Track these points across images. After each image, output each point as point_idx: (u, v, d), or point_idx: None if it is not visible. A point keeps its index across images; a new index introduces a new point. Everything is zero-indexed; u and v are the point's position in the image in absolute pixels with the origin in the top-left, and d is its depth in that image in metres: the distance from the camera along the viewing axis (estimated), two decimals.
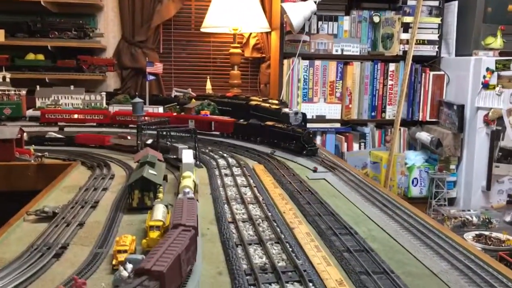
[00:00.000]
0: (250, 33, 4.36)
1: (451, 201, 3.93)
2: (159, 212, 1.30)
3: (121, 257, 1.10)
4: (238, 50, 4.22)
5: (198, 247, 1.21)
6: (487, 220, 3.42)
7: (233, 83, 4.19)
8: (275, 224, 1.38)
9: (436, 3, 4.02)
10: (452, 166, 3.92)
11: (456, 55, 4.05)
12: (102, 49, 4.16)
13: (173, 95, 3.95)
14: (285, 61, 3.96)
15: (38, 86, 3.41)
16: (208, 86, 4.24)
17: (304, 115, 2.76)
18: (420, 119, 4.12)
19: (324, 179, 1.99)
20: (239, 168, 2.05)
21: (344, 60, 4.05)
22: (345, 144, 4.03)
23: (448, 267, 1.13)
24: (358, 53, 4.06)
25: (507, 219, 3.54)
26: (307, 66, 3.99)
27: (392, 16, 4.02)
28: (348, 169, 2.10)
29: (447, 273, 1.10)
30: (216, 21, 3.98)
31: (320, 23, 4.02)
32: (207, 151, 2.39)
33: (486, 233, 3.21)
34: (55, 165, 2.18)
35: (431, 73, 4.07)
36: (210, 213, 1.52)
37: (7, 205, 1.63)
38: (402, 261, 1.20)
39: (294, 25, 3.75)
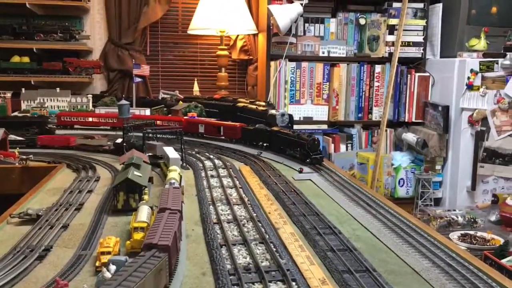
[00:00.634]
0: (237, 35, 4.37)
1: (437, 201, 3.97)
2: (144, 214, 1.30)
3: (105, 258, 1.10)
4: (225, 52, 4.23)
5: (183, 248, 1.22)
6: (472, 220, 3.47)
7: (220, 85, 4.19)
8: (259, 224, 1.38)
9: (421, 5, 4.07)
10: (438, 167, 3.96)
11: (441, 56, 4.10)
12: (89, 51, 4.14)
13: (160, 97, 3.94)
14: (272, 63, 3.98)
15: (23, 89, 3.39)
16: (196, 88, 4.25)
17: (290, 116, 2.78)
18: (406, 120, 4.16)
19: (310, 179, 2.00)
20: (225, 170, 2.06)
21: (331, 62, 4.08)
22: (332, 146, 4.06)
23: (429, 265, 1.15)
24: (344, 55, 4.09)
25: (492, 218, 3.59)
26: (294, 68, 4.00)
27: (378, 18, 4.05)
28: (333, 169, 2.11)
29: (429, 270, 1.12)
30: (203, 23, 3.98)
31: (306, 25, 4.04)
32: (193, 152, 2.39)
33: (471, 232, 3.25)
34: (40, 167, 2.17)
35: (417, 74, 4.11)
36: (195, 215, 1.52)
37: None
38: (384, 259, 1.21)
39: (280, 27, 3.76)
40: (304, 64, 4.02)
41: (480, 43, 3.79)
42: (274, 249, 1.20)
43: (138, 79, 3.41)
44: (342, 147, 4.11)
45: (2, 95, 3.22)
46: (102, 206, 1.58)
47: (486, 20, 3.98)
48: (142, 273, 0.86)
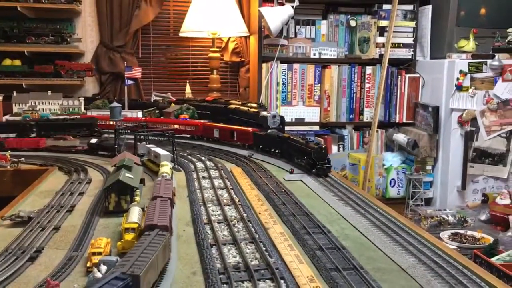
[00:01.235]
0: (229, 38, 4.39)
1: (428, 201, 4.01)
2: (135, 215, 1.32)
3: (96, 259, 1.11)
4: (217, 55, 4.25)
5: (173, 249, 1.24)
6: (463, 219, 3.50)
7: (212, 87, 4.21)
8: (250, 224, 1.40)
9: (411, 7, 4.11)
10: (428, 167, 4.00)
11: (431, 58, 4.14)
12: (80, 54, 4.14)
13: (152, 100, 3.95)
14: (264, 65, 4.00)
15: (14, 92, 3.38)
16: (188, 90, 4.26)
17: (282, 118, 2.79)
18: (397, 121, 4.19)
19: (301, 180, 2.02)
20: (216, 171, 2.07)
21: (322, 63, 4.10)
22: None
23: (415, 262, 1.17)
24: (335, 57, 4.12)
25: (482, 217, 3.63)
26: (285, 69, 4.03)
27: (368, 20, 4.09)
28: None
29: (415, 268, 1.14)
30: (194, 25, 4.00)
31: (298, 27, 4.07)
32: (185, 154, 2.41)
33: (462, 231, 3.29)
34: (32, 170, 2.17)
35: (407, 75, 4.15)
36: (186, 215, 1.54)
37: None
38: (372, 257, 1.24)
39: (271, 29, 3.79)
40: (296, 66, 4.04)
41: (469, 44, 3.83)
42: (264, 248, 1.22)
43: (130, 82, 3.41)
44: (334, 148, 4.13)
45: None
46: (93, 208, 1.59)
47: (475, 21, 4.03)
48: (154, 249, 1.00)
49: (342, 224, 1.49)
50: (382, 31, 4.04)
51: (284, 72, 4.03)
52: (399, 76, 4.16)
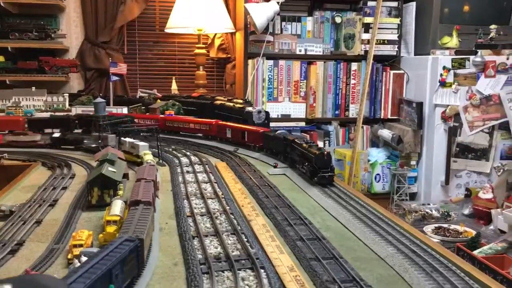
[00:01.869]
0: (215, 34, 4.39)
1: (413, 196, 4.05)
2: (117, 208, 1.32)
3: (77, 251, 1.11)
4: (203, 51, 4.24)
5: (155, 241, 1.24)
6: (446, 213, 3.55)
7: (198, 84, 4.20)
8: (232, 217, 1.41)
9: (395, 4, 4.14)
10: (413, 162, 4.04)
11: (415, 54, 4.18)
12: (65, 50, 4.11)
13: (138, 96, 3.94)
14: (250, 61, 4.00)
15: None
16: (174, 86, 4.25)
17: (267, 113, 2.81)
18: (382, 117, 4.23)
19: (284, 174, 2.04)
20: (201, 166, 2.08)
21: (308, 60, 4.12)
22: None
23: (394, 251, 1.19)
24: (321, 53, 4.14)
25: (465, 212, 3.69)
26: (271, 66, 4.04)
27: (354, 16, 4.11)
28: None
29: (393, 257, 1.16)
30: (180, 21, 3.99)
31: (283, 23, 4.08)
32: (170, 149, 2.41)
33: (445, 225, 3.34)
34: (15, 166, 2.16)
35: (392, 72, 4.19)
36: (169, 209, 1.55)
37: None
38: (352, 247, 1.25)
39: (257, 25, 3.79)
40: (282, 62, 4.06)
41: (452, 41, 3.88)
42: (245, 240, 1.23)
43: (115, 78, 3.40)
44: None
45: None
46: (76, 202, 1.59)
47: (458, 18, 4.08)
48: (146, 219, 1.17)
49: (324, 216, 1.51)
50: (367, 27, 4.07)
51: (270, 69, 4.04)
52: (384, 72, 4.20)
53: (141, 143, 2.07)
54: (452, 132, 3.83)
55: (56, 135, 2.39)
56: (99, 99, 2.49)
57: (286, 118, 4.11)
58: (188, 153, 2.31)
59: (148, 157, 1.91)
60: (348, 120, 4.24)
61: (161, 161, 2.16)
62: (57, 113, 3.15)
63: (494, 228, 3.18)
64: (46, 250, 1.19)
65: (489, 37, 3.81)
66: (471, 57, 3.77)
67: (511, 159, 3.89)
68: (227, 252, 1.14)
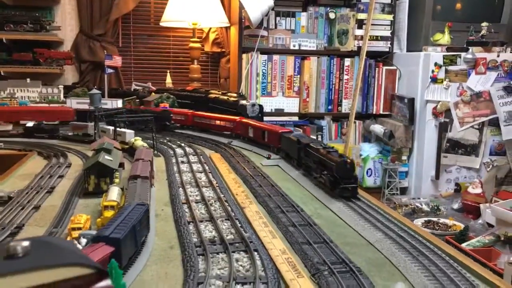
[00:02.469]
0: (210, 28, 4.41)
1: (403, 190, 4.11)
2: (114, 194, 1.35)
3: (75, 234, 1.14)
4: (198, 45, 4.27)
5: (152, 226, 1.28)
6: (436, 208, 3.61)
7: (193, 77, 4.23)
8: (226, 204, 1.45)
9: (388, 1, 4.19)
10: (404, 157, 4.09)
11: (407, 50, 4.23)
12: (59, 43, 4.12)
13: (132, 89, 3.95)
14: (244, 56, 4.03)
15: None
16: (168, 80, 4.27)
17: (261, 107, 2.85)
18: (374, 112, 4.29)
19: (278, 165, 2.07)
20: (195, 156, 2.11)
21: (302, 55, 4.16)
22: None
23: (382, 236, 1.24)
24: (315, 48, 4.18)
25: (455, 206, 3.75)
26: (265, 60, 4.07)
27: (347, 12, 4.16)
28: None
29: (381, 241, 1.21)
30: (175, 15, 4.01)
31: (278, 18, 4.11)
32: (165, 141, 2.44)
33: (435, 219, 3.40)
34: (11, 155, 2.18)
35: (384, 68, 4.24)
36: (165, 197, 1.58)
37: None
38: (342, 233, 1.30)
39: (252, 19, 3.82)
40: (276, 57, 4.09)
41: (444, 38, 3.93)
42: (239, 225, 1.27)
43: (110, 70, 3.42)
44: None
45: None
46: (73, 189, 1.62)
47: (450, 15, 4.13)
48: (146, 189, 1.36)
49: (316, 205, 1.55)
50: (360, 23, 4.11)
51: (264, 63, 4.08)
52: (377, 68, 4.25)
53: (127, 131, 2.19)
54: (443, 128, 3.88)
55: (30, 124, 2.44)
56: (94, 90, 2.52)
57: (279, 112, 4.15)
58: (182, 145, 2.34)
59: (139, 142, 2.08)
60: (341, 115, 4.29)
61: (156, 152, 2.19)
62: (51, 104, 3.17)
63: (482, 222, 3.24)
64: (45, 233, 1.22)
65: (480, 35, 3.88)
66: (463, 54, 3.83)
67: (500, 155, 3.96)
68: (221, 235, 1.18)
